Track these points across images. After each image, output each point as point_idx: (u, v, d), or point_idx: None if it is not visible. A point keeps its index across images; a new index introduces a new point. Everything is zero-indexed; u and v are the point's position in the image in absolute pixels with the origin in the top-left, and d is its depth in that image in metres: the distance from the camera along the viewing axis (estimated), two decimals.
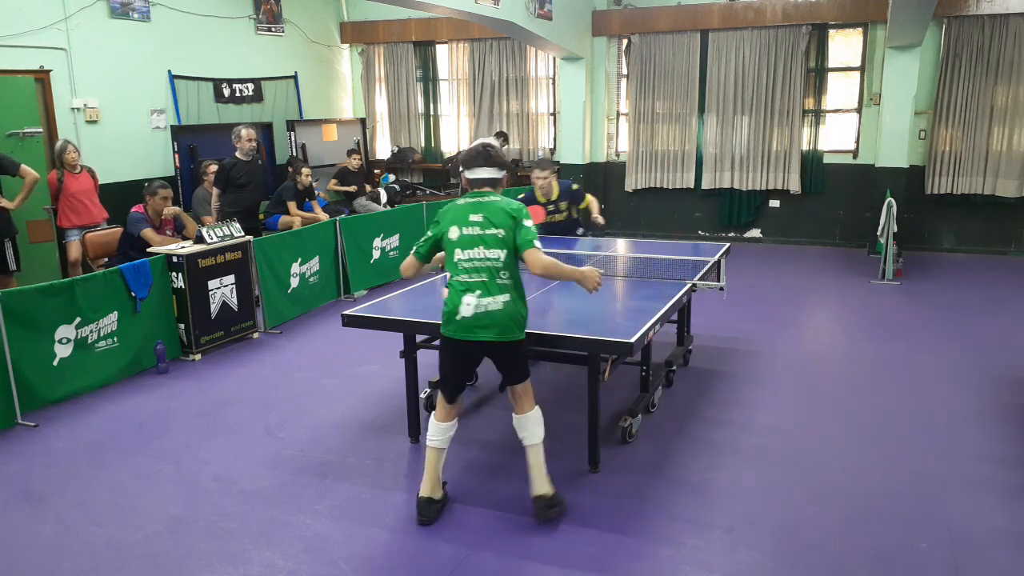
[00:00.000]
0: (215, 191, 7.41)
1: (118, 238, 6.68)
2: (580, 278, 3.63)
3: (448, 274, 3.56)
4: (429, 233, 3.62)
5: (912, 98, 9.11)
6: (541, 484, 3.55)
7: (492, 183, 3.56)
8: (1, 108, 7.10)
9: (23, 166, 6.30)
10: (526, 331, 3.59)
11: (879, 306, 7.27)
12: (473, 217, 3.46)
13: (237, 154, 7.32)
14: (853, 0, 9.42)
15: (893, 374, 5.47)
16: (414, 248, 3.68)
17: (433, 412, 3.72)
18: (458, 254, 3.46)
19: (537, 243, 3.47)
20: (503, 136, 10.27)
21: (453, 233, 3.48)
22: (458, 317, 3.44)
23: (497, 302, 3.41)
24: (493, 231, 3.44)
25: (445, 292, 3.57)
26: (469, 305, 3.41)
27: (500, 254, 3.43)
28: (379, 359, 5.74)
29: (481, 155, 3.55)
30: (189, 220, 7.30)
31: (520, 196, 6.34)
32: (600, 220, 6.57)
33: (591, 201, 6.61)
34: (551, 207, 6.44)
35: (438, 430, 3.65)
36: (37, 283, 5.20)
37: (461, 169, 3.61)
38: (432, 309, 4.67)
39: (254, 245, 6.48)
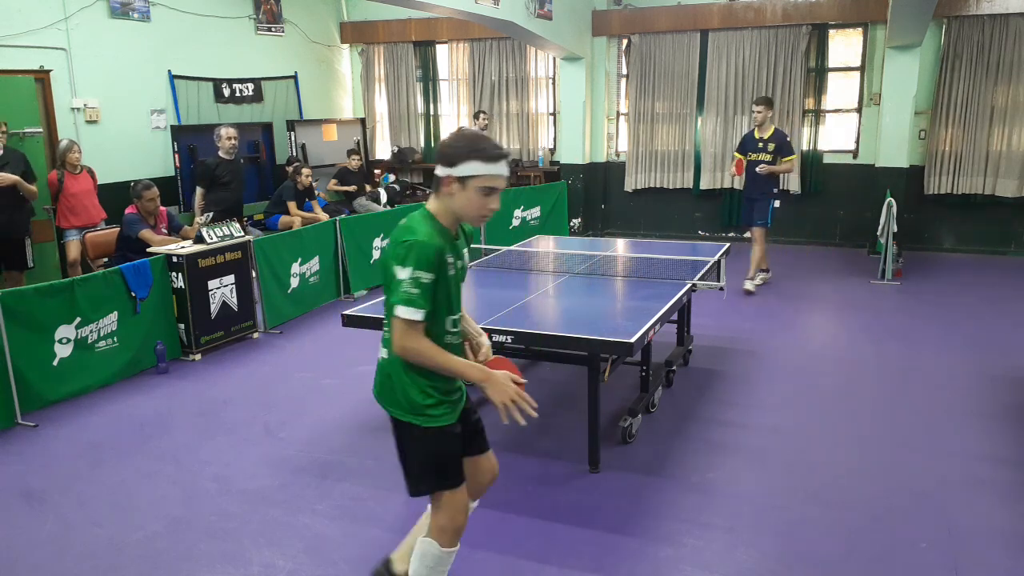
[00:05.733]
0: (199, 190, 7.46)
1: (116, 238, 6.67)
2: (481, 381, 2.49)
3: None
4: None
5: (912, 98, 9.10)
6: None
7: (435, 183, 2.47)
8: (1, 108, 7.10)
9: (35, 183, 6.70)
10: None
11: (879, 306, 7.27)
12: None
13: (220, 153, 7.40)
14: (853, 0, 9.43)
15: (893, 374, 5.47)
16: None
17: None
18: None
19: (402, 311, 2.33)
20: (483, 115, 10.23)
21: None
22: None
23: (378, 354, 2.60)
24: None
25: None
26: None
27: (385, 299, 2.50)
28: None
29: (440, 146, 2.49)
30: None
31: (745, 133, 8.14)
32: (765, 168, 7.60)
33: (786, 166, 7.73)
34: (760, 144, 7.65)
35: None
36: (37, 283, 5.20)
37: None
38: None
39: (254, 245, 6.48)
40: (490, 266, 5.57)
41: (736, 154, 8.00)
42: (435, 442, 2.55)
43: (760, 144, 7.66)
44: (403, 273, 2.33)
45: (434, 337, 2.45)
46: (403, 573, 2.79)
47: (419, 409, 2.51)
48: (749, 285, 7.68)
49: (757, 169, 7.64)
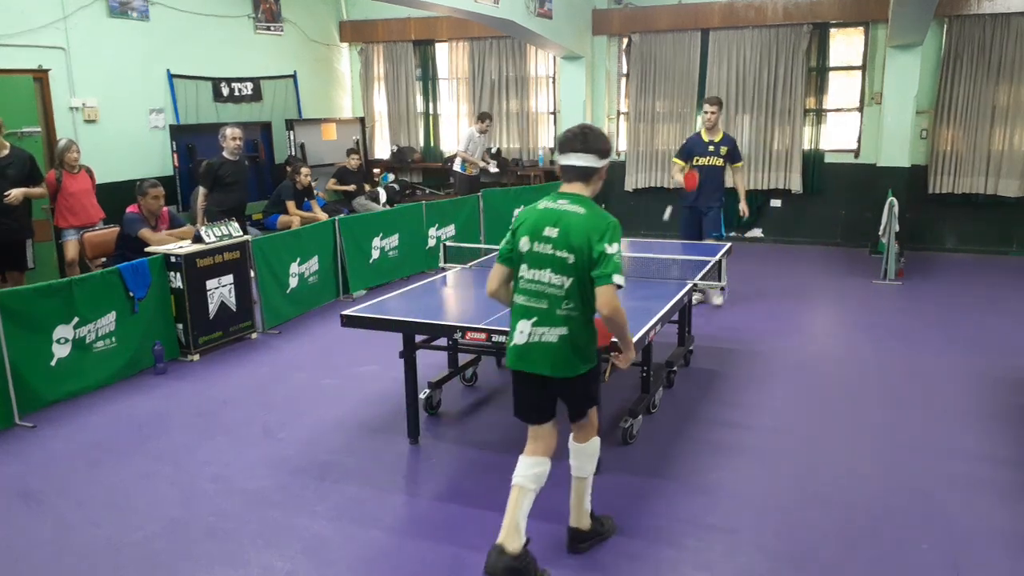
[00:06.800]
0: (202, 191, 7.42)
1: (115, 238, 6.66)
2: (628, 348, 3.14)
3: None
4: (505, 240, 3.15)
5: (913, 97, 9.09)
6: (577, 517, 3.31)
7: (584, 174, 3.00)
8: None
9: (42, 186, 6.68)
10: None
11: (880, 306, 7.25)
12: (548, 231, 2.95)
13: (224, 154, 7.35)
14: None
15: (894, 374, 5.45)
16: (498, 255, 3.18)
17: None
18: (523, 270, 3.02)
19: (617, 279, 2.86)
20: (485, 115, 10.24)
21: (524, 245, 3.00)
22: (511, 344, 3.08)
23: (552, 334, 2.97)
24: (564, 254, 2.92)
25: None
26: (522, 333, 3.01)
27: (565, 281, 2.93)
28: (379, 359, 5.72)
29: (577, 137, 2.98)
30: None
31: (689, 136, 7.38)
32: (745, 209, 7.15)
33: (740, 174, 7.19)
34: (712, 147, 7.00)
35: (522, 465, 3.15)
36: (35, 283, 5.18)
37: (556, 154, 3.21)
38: (432, 309, 4.66)
39: (252, 245, 6.46)
40: (490, 266, 5.55)
41: (676, 160, 7.17)
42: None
43: (711, 148, 6.95)
44: (613, 248, 2.88)
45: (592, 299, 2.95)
46: (581, 527, 3.32)
47: (592, 356, 3.09)
48: (718, 300, 7.14)
49: (740, 211, 7.15)
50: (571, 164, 3.00)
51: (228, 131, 7.38)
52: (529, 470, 3.12)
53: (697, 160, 6.99)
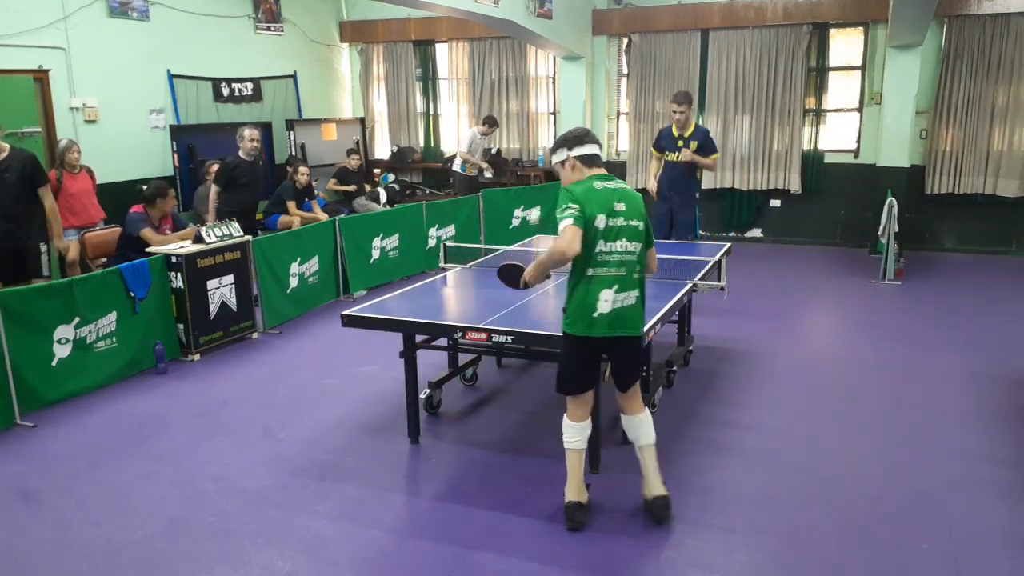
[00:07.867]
0: (214, 188, 7.40)
1: (116, 238, 6.66)
2: None
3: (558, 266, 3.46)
4: (573, 208, 3.24)
5: (913, 98, 9.09)
6: (658, 485, 3.55)
7: (600, 160, 3.50)
8: (0, 108, 7.08)
9: (48, 187, 5.92)
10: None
11: (880, 306, 7.25)
12: (618, 206, 3.32)
13: (240, 154, 7.32)
14: None
15: (894, 374, 5.45)
16: (572, 219, 3.22)
17: (565, 413, 3.56)
18: (601, 245, 3.30)
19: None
20: (493, 121, 10.24)
21: (600, 222, 3.28)
22: (595, 314, 3.31)
23: (631, 297, 3.36)
24: (634, 223, 3.36)
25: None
26: (607, 301, 3.30)
27: (637, 248, 3.37)
28: (379, 359, 5.72)
29: (588, 133, 3.49)
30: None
31: (661, 129, 7.12)
32: (687, 153, 6.74)
33: (713, 162, 6.88)
34: (681, 142, 6.79)
35: (573, 430, 3.52)
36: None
37: (564, 150, 3.48)
38: (432, 309, 4.66)
39: (253, 245, 6.47)
40: (490, 266, 5.56)
41: (654, 151, 7.07)
42: None
43: (680, 143, 6.76)
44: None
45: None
46: (664, 493, 3.56)
47: None
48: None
49: (679, 156, 6.69)
50: (595, 152, 3.47)
51: (246, 132, 7.29)
52: (581, 434, 3.54)
53: (667, 155, 6.84)
